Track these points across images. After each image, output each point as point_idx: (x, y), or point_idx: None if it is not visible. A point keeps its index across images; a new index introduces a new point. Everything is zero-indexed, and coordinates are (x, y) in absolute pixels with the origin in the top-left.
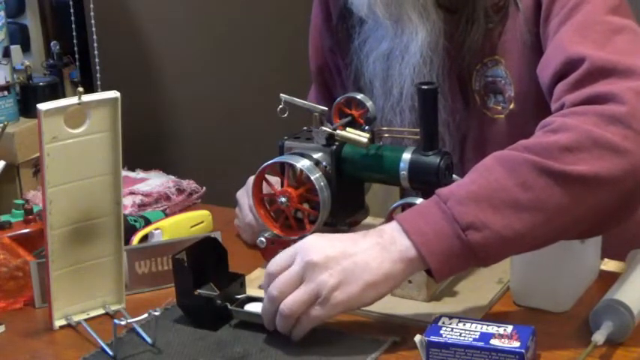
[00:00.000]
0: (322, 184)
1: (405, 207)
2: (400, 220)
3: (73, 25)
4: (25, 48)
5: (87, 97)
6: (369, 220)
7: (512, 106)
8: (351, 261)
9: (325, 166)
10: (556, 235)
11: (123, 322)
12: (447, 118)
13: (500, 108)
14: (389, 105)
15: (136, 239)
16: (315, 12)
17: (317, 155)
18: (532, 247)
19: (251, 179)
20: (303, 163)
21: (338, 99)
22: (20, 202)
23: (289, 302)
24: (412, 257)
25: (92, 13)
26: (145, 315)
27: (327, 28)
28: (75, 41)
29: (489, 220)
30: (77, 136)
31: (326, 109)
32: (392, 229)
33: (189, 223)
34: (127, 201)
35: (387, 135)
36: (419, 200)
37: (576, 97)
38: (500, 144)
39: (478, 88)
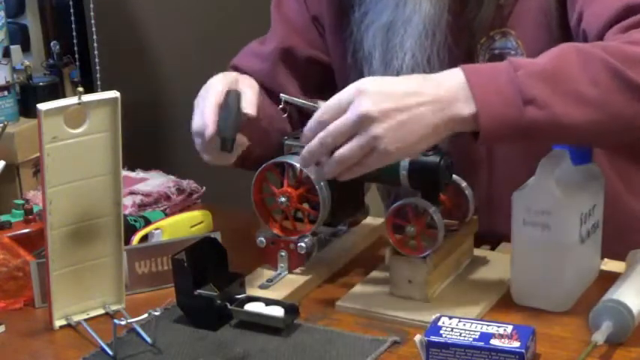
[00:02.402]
0: (322, 184)
1: (405, 207)
2: (468, 74)
3: (73, 25)
4: (25, 48)
5: (87, 97)
6: (369, 220)
7: None
8: (407, 115)
9: None
10: (599, 138)
11: (123, 322)
12: None
13: None
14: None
15: (136, 239)
16: None
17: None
18: (576, 141)
19: (208, 83)
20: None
21: None
22: (20, 202)
23: (345, 153)
24: (467, 117)
25: (92, 13)
26: (145, 315)
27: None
28: (75, 41)
29: (552, 101)
30: (77, 136)
31: None
32: (458, 83)
33: (189, 223)
34: (127, 201)
35: None
36: (420, 201)
37: None
38: None
39: (483, 62)
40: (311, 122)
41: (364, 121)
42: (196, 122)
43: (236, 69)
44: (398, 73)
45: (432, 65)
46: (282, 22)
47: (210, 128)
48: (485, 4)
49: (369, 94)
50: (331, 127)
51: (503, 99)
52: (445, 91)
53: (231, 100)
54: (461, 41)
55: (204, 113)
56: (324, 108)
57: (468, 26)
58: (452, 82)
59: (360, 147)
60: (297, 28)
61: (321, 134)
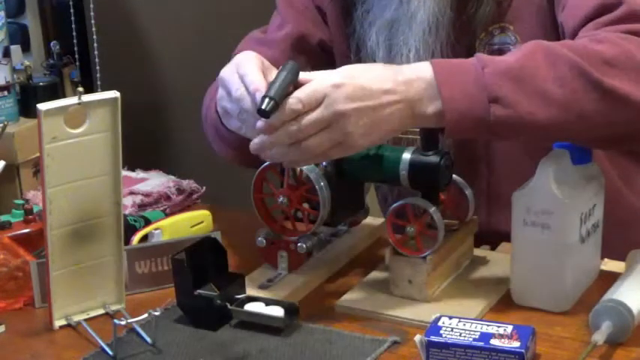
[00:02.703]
0: (322, 184)
1: (405, 207)
2: (436, 71)
3: (73, 25)
4: (25, 48)
5: (87, 97)
6: (369, 220)
7: None
8: (379, 113)
9: (325, 166)
10: (567, 136)
11: (123, 322)
12: None
13: None
14: None
15: (136, 239)
16: None
17: None
18: (543, 139)
19: (238, 56)
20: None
21: None
22: (20, 202)
23: (314, 145)
24: (432, 114)
25: (92, 13)
26: (145, 315)
27: None
28: (75, 41)
29: (517, 100)
30: (77, 136)
31: None
32: (426, 81)
33: (189, 223)
34: (127, 201)
35: None
36: (420, 201)
37: (618, 29)
38: None
39: None
40: (281, 110)
41: (338, 118)
42: (237, 89)
43: None
44: None
45: None
46: (290, 10)
47: (263, 90)
48: (485, 2)
49: (344, 89)
50: (305, 121)
51: (469, 96)
52: (414, 90)
53: (291, 66)
54: (462, 37)
55: (250, 76)
56: (297, 98)
57: (468, 22)
58: (420, 79)
59: (329, 140)
60: (305, 15)
61: (293, 127)
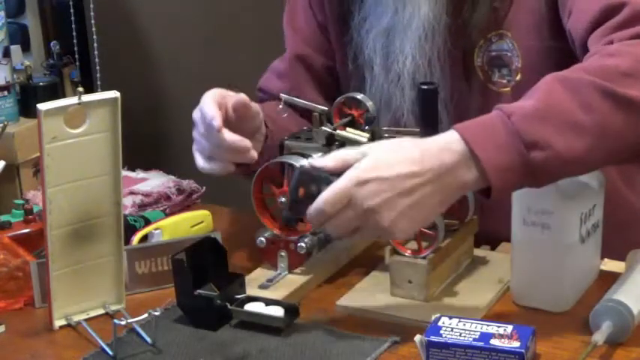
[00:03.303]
0: None
1: None
2: (465, 136)
3: (73, 25)
4: (25, 48)
5: (87, 97)
6: None
7: (518, 77)
8: (410, 200)
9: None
10: (606, 160)
11: (123, 322)
12: (444, 98)
13: (505, 81)
14: (389, 81)
15: (136, 239)
16: None
17: (317, 155)
18: (581, 172)
19: (207, 93)
20: (303, 163)
21: (338, 98)
22: (20, 202)
23: (356, 241)
24: (472, 181)
25: (92, 13)
26: (145, 315)
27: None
28: (75, 41)
29: (552, 140)
30: (77, 136)
31: (326, 108)
32: (457, 150)
33: (189, 223)
34: (127, 201)
35: (386, 135)
36: None
37: (624, 35)
38: None
39: (481, 64)
40: (312, 212)
41: (369, 216)
42: (200, 128)
43: (261, 91)
44: (399, 78)
45: (433, 67)
46: (294, 34)
47: (217, 120)
48: (479, 6)
49: (369, 185)
50: (337, 221)
51: (505, 149)
52: (446, 164)
53: (296, 174)
54: (458, 43)
55: (205, 109)
56: (324, 201)
57: (464, 27)
58: (450, 150)
59: (366, 236)
60: (307, 37)
61: (329, 227)
